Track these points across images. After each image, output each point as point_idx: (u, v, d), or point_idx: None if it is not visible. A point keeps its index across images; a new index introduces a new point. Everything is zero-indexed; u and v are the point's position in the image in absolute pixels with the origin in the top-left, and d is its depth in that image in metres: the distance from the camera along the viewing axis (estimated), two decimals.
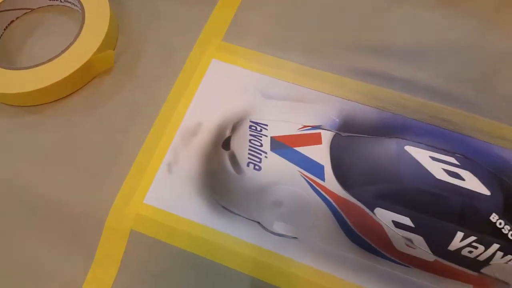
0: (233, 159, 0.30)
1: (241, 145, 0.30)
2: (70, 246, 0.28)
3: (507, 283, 0.26)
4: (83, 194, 0.29)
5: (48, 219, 0.29)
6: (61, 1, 0.36)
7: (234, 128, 0.31)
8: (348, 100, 0.31)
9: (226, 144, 0.30)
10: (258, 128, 0.31)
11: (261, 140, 0.30)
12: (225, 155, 0.30)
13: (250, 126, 0.31)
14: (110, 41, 0.33)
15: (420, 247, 0.26)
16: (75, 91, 0.32)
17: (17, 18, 0.36)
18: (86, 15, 0.33)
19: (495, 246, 0.26)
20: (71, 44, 0.31)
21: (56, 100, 0.32)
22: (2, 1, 0.34)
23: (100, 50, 0.31)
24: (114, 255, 0.27)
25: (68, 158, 0.30)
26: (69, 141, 0.30)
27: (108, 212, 0.28)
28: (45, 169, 0.30)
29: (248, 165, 0.29)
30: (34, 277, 0.27)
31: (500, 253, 0.26)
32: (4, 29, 0.35)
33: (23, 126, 0.31)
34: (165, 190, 0.29)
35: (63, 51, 0.31)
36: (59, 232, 0.28)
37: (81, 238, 0.28)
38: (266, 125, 0.31)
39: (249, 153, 0.30)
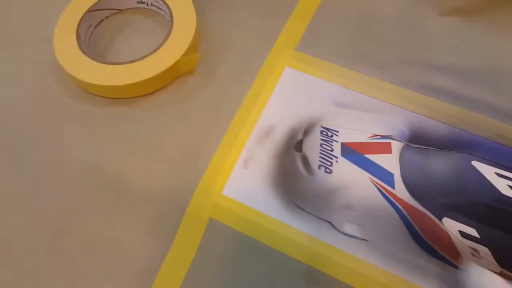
0: (305, 161, 0.31)
1: (312, 149, 0.32)
2: (152, 229, 0.30)
3: None
4: (166, 182, 0.31)
5: (132, 203, 0.31)
6: (147, 5, 0.39)
7: (306, 132, 0.33)
8: (417, 113, 0.33)
9: (298, 146, 0.32)
10: (329, 134, 0.32)
11: (332, 145, 0.32)
12: (298, 156, 0.32)
13: (322, 132, 0.32)
14: (195, 46, 0.36)
15: (486, 258, 0.27)
16: (161, 88, 0.35)
17: (106, 17, 0.39)
18: (174, 19, 0.35)
19: None
20: (161, 45, 0.34)
21: (143, 95, 0.35)
22: (97, 1, 0.37)
23: (187, 53, 0.34)
24: (193, 241, 0.29)
25: (154, 148, 0.32)
26: (155, 133, 0.33)
27: (189, 200, 0.30)
28: (132, 156, 0.32)
29: (319, 168, 0.31)
30: (115, 256, 0.29)
31: None
32: (95, 27, 0.39)
33: (113, 116, 0.34)
34: (241, 184, 0.31)
35: (154, 51, 0.34)
36: (142, 216, 0.30)
37: (162, 223, 0.30)
38: (337, 132, 0.32)
39: (320, 157, 0.31)
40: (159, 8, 0.38)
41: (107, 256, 0.29)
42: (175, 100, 0.34)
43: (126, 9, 0.39)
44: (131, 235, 0.30)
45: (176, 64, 0.34)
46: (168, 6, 0.36)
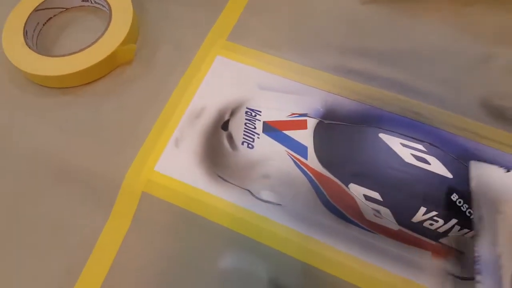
0: (230, 138, 0.34)
1: (237, 127, 0.35)
2: (90, 206, 0.33)
3: (462, 252, 0.29)
4: (104, 161, 0.34)
5: (73, 182, 0.34)
6: (91, 2, 0.42)
7: (233, 113, 0.36)
8: (332, 93, 0.36)
9: (225, 125, 0.35)
10: (253, 114, 0.35)
11: (255, 123, 0.35)
12: (224, 134, 0.35)
13: (246, 112, 0.36)
14: (132, 37, 0.39)
15: (387, 218, 0.31)
16: (101, 77, 0.38)
17: (54, 15, 0.42)
18: (113, 14, 0.39)
19: (454, 220, 0.30)
20: (99, 37, 0.37)
21: (85, 84, 0.38)
22: (43, 1, 0.40)
23: (123, 43, 0.37)
24: (127, 213, 0.32)
25: (93, 132, 0.35)
26: (95, 118, 0.36)
27: (124, 176, 0.33)
28: (74, 141, 0.35)
29: (242, 144, 0.34)
30: (58, 232, 0.32)
31: (457, 227, 0.30)
32: (43, 24, 0.41)
33: (58, 104, 0.37)
34: (172, 161, 0.34)
35: (93, 43, 0.37)
36: (81, 193, 0.33)
37: (100, 198, 0.33)
38: (260, 112, 0.36)
39: (244, 134, 0.34)
40: (102, 5, 0.41)
41: (49, 233, 0.32)
42: (114, 88, 0.37)
43: (71, 7, 0.42)
44: (73, 212, 0.33)
45: (114, 54, 0.37)
46: (107, 3, 0.39)
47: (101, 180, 0.33)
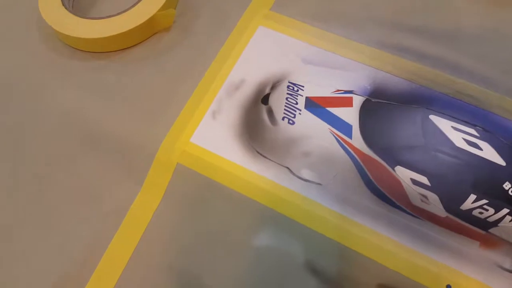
0: (270, 113, 0.33)
1: (278, 102, 0.33)
2: (123, 173, 0.32)
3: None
4: (138, 130, 0.33)
5: (107, 149, 0.33)
6: None
7: (274, 87, 0.34)
8: (380, 70, 0.34)
9: (265, 99, 0.34)
10: (295, 89, 0.34)
11: (296, 98, 0.33)
12: (263, 109, 0.33)
13: (288, 86, 0.34)
14: (172, 2, 0.37)
15: (434, 204, 0.29)
16: (138, 43, 0.37)
17: None
18: None
19: (505, 210, 0.28)
20: (138, 1, 0.36)
21: (121, 50, 0.36)
22: None
23: (163, 8, 0.36)
24: (160, 184, 0.31)
25: (128, 99, 0.34)
26: (130, 85, 0.35)
27: (158, 146, 0.32)
28: (108, 106, 0.34)
29: (283, 119, 0.33)
30: (89, 199, 0.31)
31: (509, 217, 0.28)
32: None
33: (93, 68, 0.36)
34: (209, 133, 0.32)
35: (131, 7, 0.36)
36: (114, 161, 0.32)
37: (134, 167, 0.32)
38: (303, 86, 0.34)
39: (285, 109, 0.33)
40: None
41: (80, 200, 0.31)
42: (151, 55, 0.36)
43: None
44: (105, 179, 0.32)
45: (152, 19, 0.35)
46: None
47: (134, 149, 0.33)
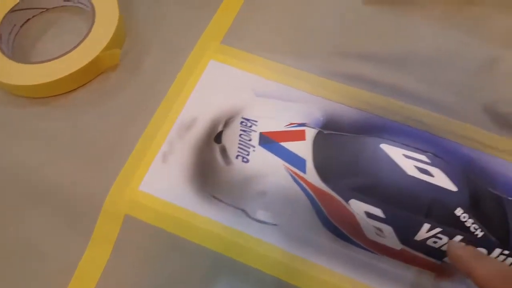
0: (224, 152, 0.32)
1: (232, 139, 0.33)
2: (68, 228, 0.30)
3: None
4: (83, 179, 0.31)
5: (50, 202, 0.31)
6: (74, 2, 0.39)
7: (227, 124, 0.33)
8: (332, 100, 0.34)
9: (218, 138, 0.33)
10: (249, 124, 0.33)
11: (250, 135, 0.33)
12: (217, 148, 0.33)
13: (241, 122, 0.33)
14: (117, 41, 0.36)
15: (389, 236, 0.29)
16: (83, 85, 0.35)
17: (33, 16, 0.39)
18: (96, 15, 0.36)
19: (458, 237, 0.29)
20: (80, 42, 0.34)
21: (65, 93, 0.35)
22: (20, 0, 0.37)
23: (107, 48, 0.34)
24: (109, 237, 0.30)
25: (72, 147, 0.33)
26: (74, 131, 0.33)
27: (105, 197, 0.31)
28: (50, 155, 0.33)
29: (237, 158, 0.32)
30: (32, 257, 0.30)
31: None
32: (21, 26, 0.38)
33: (33, 115, 0.34)
34: (159, 179, 0.31)
35: (73, 48, 0.34)
36: (59, 215, 0.31)
37: (80, 220, 0.30)
38: (256, 122, 0.33)
39: (238, 147, 0.32)
40: (85, 5, 0.38)
41: (25, 258, 0.30)
42: (97, 97, 0.35)
43: (53, 7, 0.39)
44: (49, 235, 0.30)
45: (96, 59, 0.34)
46: (91, 2, 0.36)
47: (80, 201, 0.31)
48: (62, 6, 0.39)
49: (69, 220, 0.30)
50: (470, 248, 0.26)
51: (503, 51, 0.35)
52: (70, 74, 0.33)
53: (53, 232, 0.30)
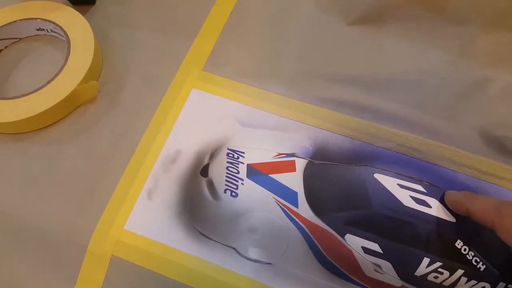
0: (211, 186, 0.31)
1: (219, 172, 0.31)
2: (53, 271, 0.29)
3: None
4: (65, 220, 0.30)
5: (31, 245, 0.29)
6: (47, 31, 0.37)
7: (212, 156, 0.32)
8: (321, 128, 0.32)
9: (204, 171, 0.31)
10: (235, 156, 0.32)
11: (238, 167, 0.31)
12: (203, 182, 0.31)
13: (228, 154, 0.32)
14: (94, 72, 0.34)
15: (388, 273, 0.28)
16: (60, 120, 0.33)
17: (5, 47, 0.37)
18: (72, 46, 0.34)
19: (460, 271, 0.27)
20: (56, 75, 0.33)
21: (41, 128, 0.33)
22: None
23: (84, 80, 0.33)
24: (96, 280, 0.28)
25: (52, 185, 0.31)
26: (53, 168, 0.31)
27: (90, 238, 0.29)
28: (28, 195, 0.31)
29: (225, 192, 0.30)
30: None
31: (464, 279, 0.27)
32: None
33: (8, 153, 0.32)
34: (145, 217, 0.30)
35: (49, 82, 0.32)
36: (41, 258, 0.29)
37: (64, 263, 0.29)
38: (243, 153, 0.32)
39: (226, 180, 0.31)
40: (60, 34, 0.36)
41: None
42: (75, 132, 0.33)
43: (26, 37, 0.37)
44: (32, 280, 0.29)
45: (73, 93, 0.32)
46: (65, 32, 0.35)
47: (64, 242, 0.29)
48: (35, 35, 0.38)
49: (52, 263, 0.29)
50: (464, 191, 0.28)
51: (491, 70, 0.35)
52: (47, 110, 0.31)
53: (37, 276, 0.29)
